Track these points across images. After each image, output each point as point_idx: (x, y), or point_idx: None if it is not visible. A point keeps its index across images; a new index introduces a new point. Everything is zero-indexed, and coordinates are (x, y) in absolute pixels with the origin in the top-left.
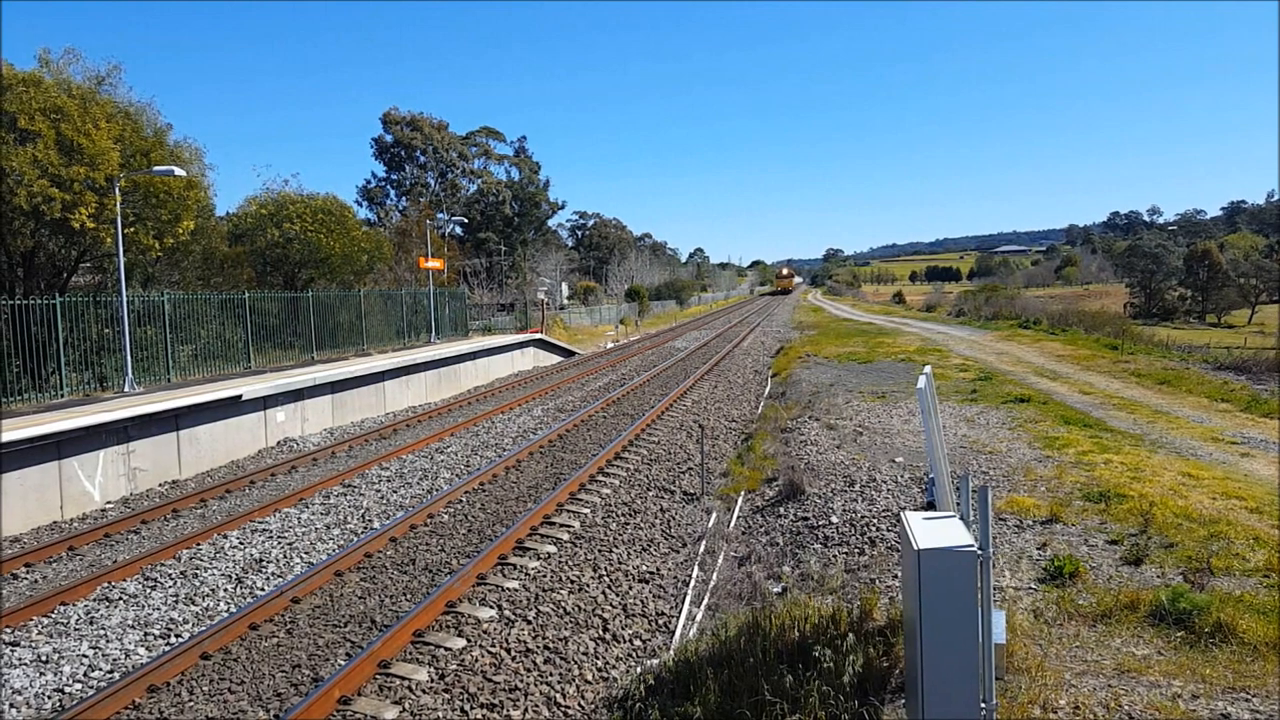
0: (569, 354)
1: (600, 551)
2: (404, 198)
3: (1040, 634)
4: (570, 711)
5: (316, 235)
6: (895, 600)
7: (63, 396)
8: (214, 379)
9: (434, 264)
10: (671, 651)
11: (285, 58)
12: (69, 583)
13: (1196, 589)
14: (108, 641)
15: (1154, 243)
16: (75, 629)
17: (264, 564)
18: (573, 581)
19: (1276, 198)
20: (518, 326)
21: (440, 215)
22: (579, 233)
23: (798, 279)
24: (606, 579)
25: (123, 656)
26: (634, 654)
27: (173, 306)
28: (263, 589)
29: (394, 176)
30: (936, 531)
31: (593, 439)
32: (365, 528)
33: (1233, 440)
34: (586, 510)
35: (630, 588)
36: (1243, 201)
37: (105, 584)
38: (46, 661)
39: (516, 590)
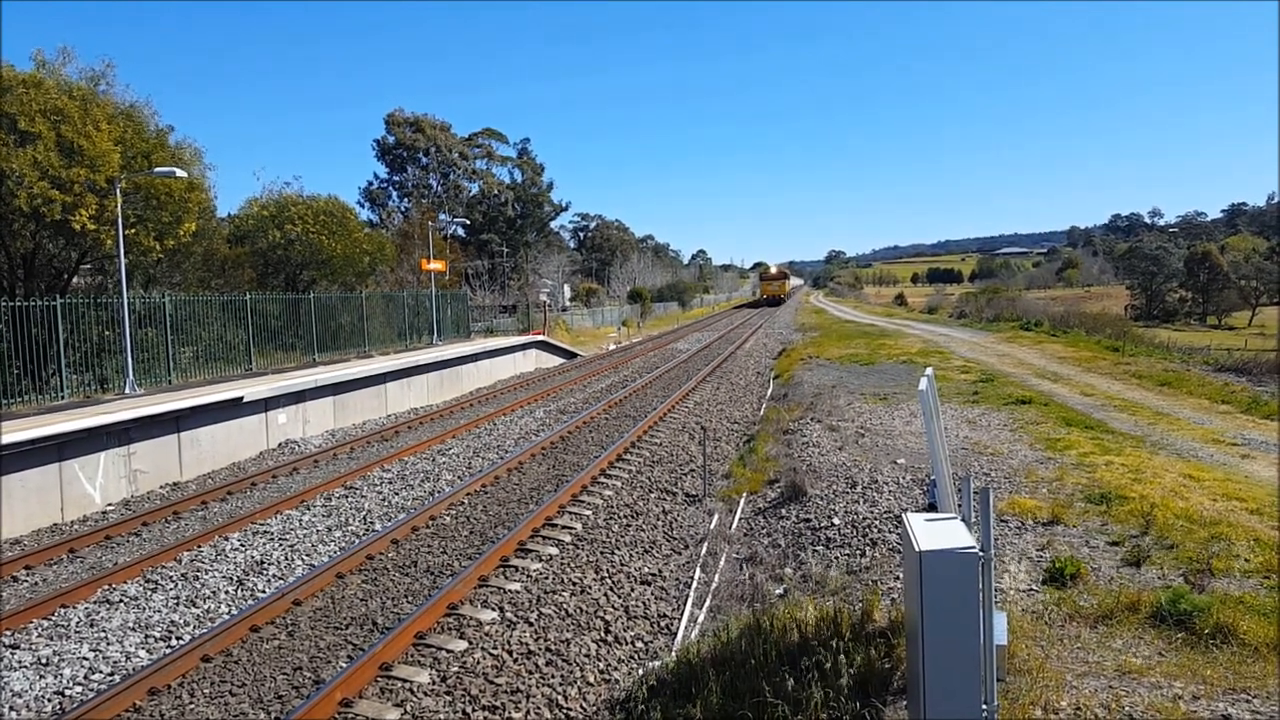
0: (571, 356)
1: (602, 553)
2: (406, 199)
3: (1041, 635)
4: (572, 713)
5: (318, 237)
6: (897, 601)
7: (63, 398)
8: (215, 381)
9: (436, 266)
10: (673, 653)
11: (287, 58)
12: (69, 585)
13: (1197, 590)
14: (108, 644)
15: (1155, 245)
16: (76, 631)
17: (265, 566)
18: (575, 583)
19: (1277, 200)
20: (520, 328)
21: (442, 217)
22: (581, 234)
23: (797, 280)
24: (609, 581)
25: (123, 659)
26: (636, 655)
27: (174, 308)
28: (264, 591)
29: (396, 178)
30: (938, 533)
31: (595, 441)
32: (367, 530)
33: (1233, 442)
34: (588, 512)
35: (632, 589)
36: (1243, 203)
37: (106, 586)
38: (47, 664)
39: (518, 592)
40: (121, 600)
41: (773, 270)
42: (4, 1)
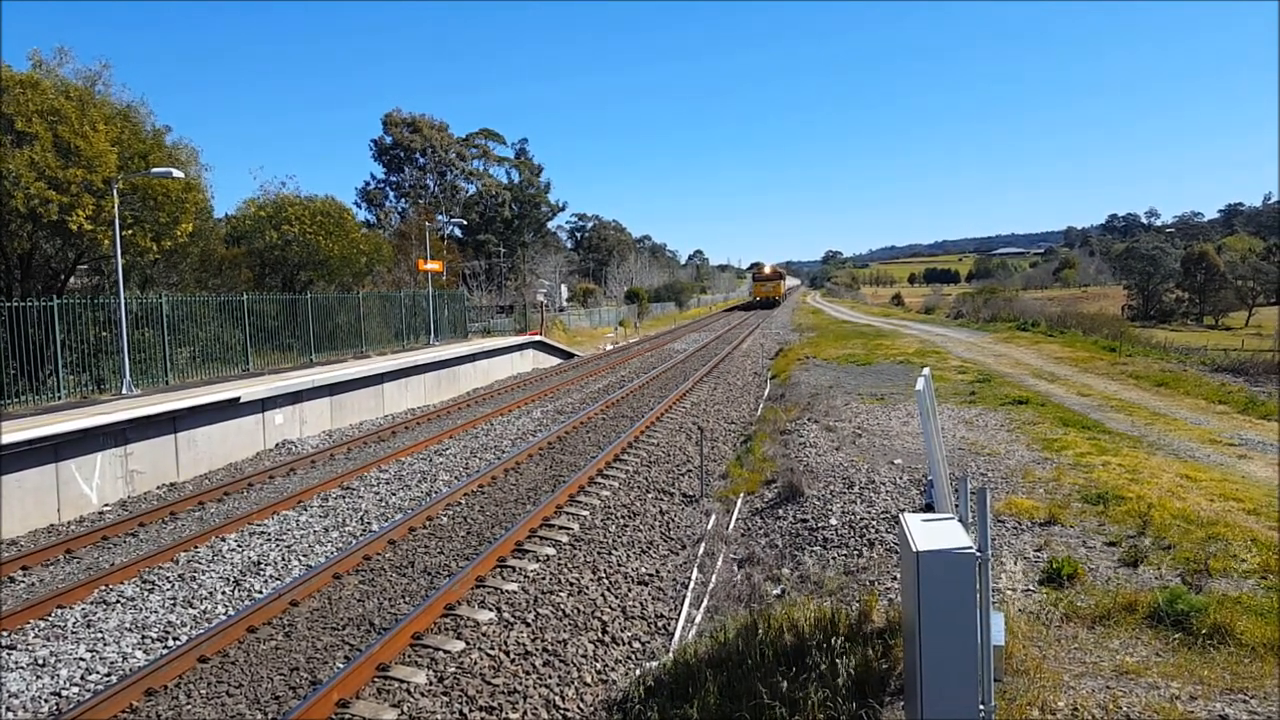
0: (568, 356)
1: (599, 554)
2: (403, 200)
3: (1039, 636)
4: (569, 714)
5: (315, 237)
6: (894, 602)
7: (60, 399)
8: (212, 381)
9: (433, 266)
10: (670, 654)
11: (284, 58)
12: (66, 586)
13: (1194, 590)
14: (105, 645)
15: (1151, 245)
16: (73, 632)
17: (262, 567)
18: (572, 584)
19: (1274, 200)
20: (517, 328)
21: (440, 217)
22: (578, 234)
23: (794, 281)
24: (606, 581)
25: (120, 660)
26: (633, 656)
27: (171, 308)
28: (261, 592)
29: (393, 178)
30: (935, 533)
31: (592, 441)
32: (364, 530)
33: (1230, 442)
34: (586, 513)
35: (629, 590)
36: (1240, 204)
37: (103, 587)
38: (44, 665)
39: (515, 593)
40: (118, 601)
41: (766, 270)
42: (3, 1)
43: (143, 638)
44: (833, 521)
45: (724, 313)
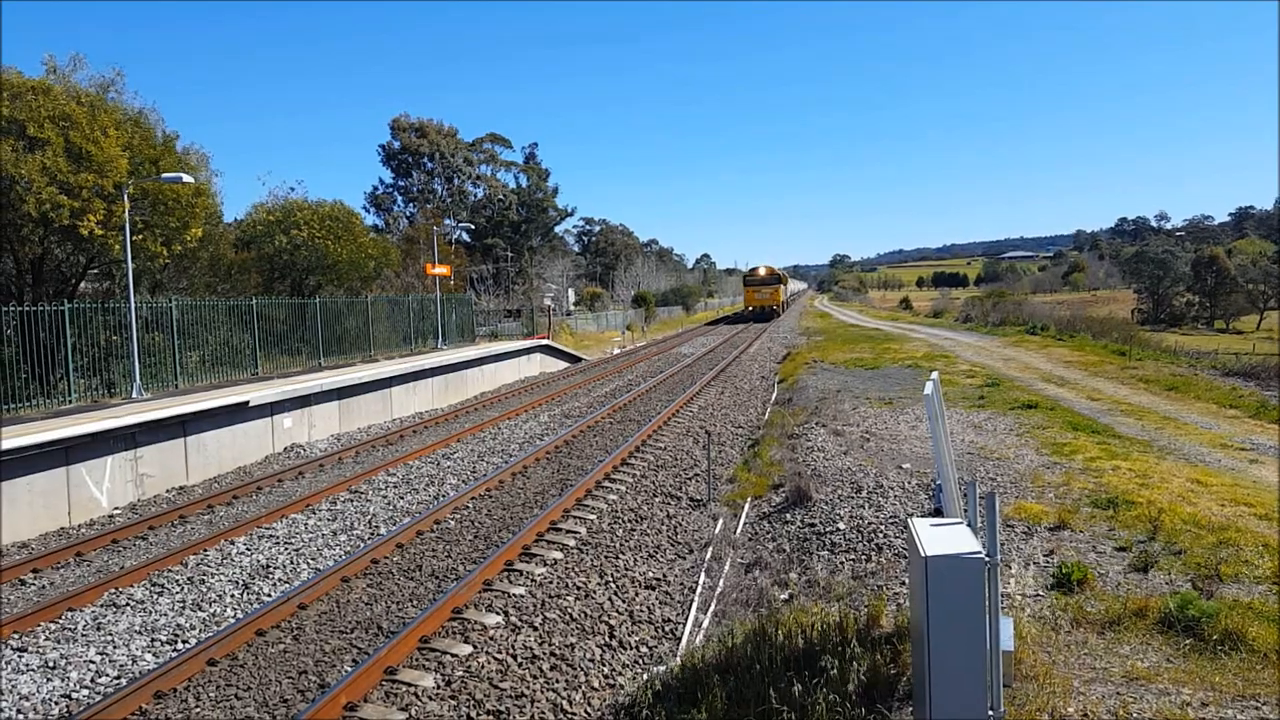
0: (575, 360)
1: (607, 558)
2: (411, 204)
3: (1048, 641)
4: (576, 718)
5: (324, 242)
6: (902, 607)
7: (71, 402)
8: (221, 385)
9: (441, 270)
10: (678, 658)
11: (292, 62)
12: (76, 589)
13: (1205, 596)
14: (115, 648)
15: (1161, 248)
16: (83, 635)
17: (271, 570)
18: (579, 588)
19: None
20: (524, 333)
21: (447, 221)
22: (585, 239)
23: (799, 285)
24: (613, 585)
25: (130, 663)
26: (641, 661)
27: (180, 313)
28: (270, 595)
29: (401, 183)
30: (944, 538)
31: (599, 445)
32: (372, 534)
33: (1241, 446)
34: (593, 516)
35: (637, 594)
36: (1251, 207)
37: (113, 590)
38: (54, 667)
39: (523, 596)
40: (128, 604)
41: (761, 272)
42: (11, 3)
43: (152, 640)
44: (840, 526)
45: (730, 317)
